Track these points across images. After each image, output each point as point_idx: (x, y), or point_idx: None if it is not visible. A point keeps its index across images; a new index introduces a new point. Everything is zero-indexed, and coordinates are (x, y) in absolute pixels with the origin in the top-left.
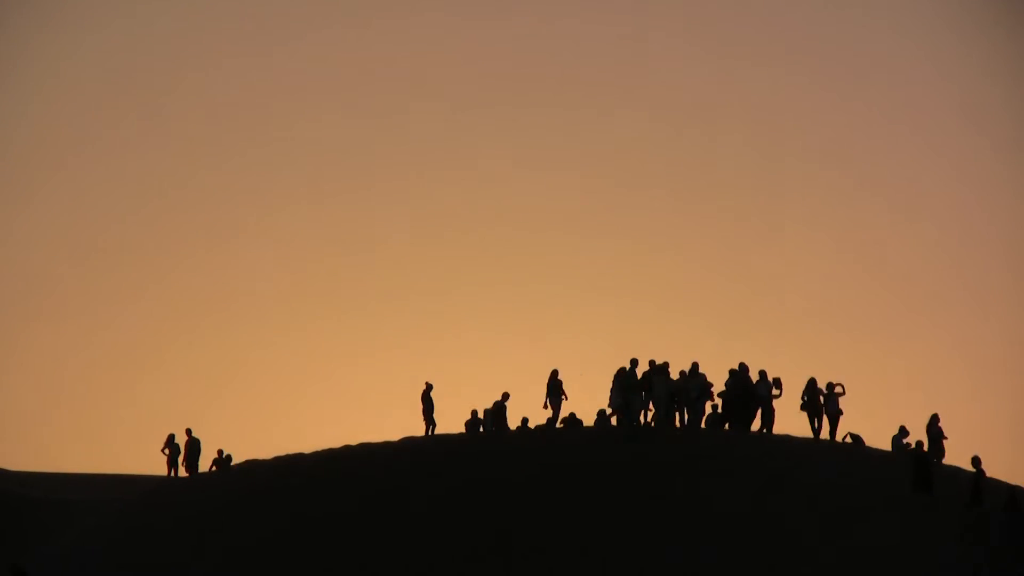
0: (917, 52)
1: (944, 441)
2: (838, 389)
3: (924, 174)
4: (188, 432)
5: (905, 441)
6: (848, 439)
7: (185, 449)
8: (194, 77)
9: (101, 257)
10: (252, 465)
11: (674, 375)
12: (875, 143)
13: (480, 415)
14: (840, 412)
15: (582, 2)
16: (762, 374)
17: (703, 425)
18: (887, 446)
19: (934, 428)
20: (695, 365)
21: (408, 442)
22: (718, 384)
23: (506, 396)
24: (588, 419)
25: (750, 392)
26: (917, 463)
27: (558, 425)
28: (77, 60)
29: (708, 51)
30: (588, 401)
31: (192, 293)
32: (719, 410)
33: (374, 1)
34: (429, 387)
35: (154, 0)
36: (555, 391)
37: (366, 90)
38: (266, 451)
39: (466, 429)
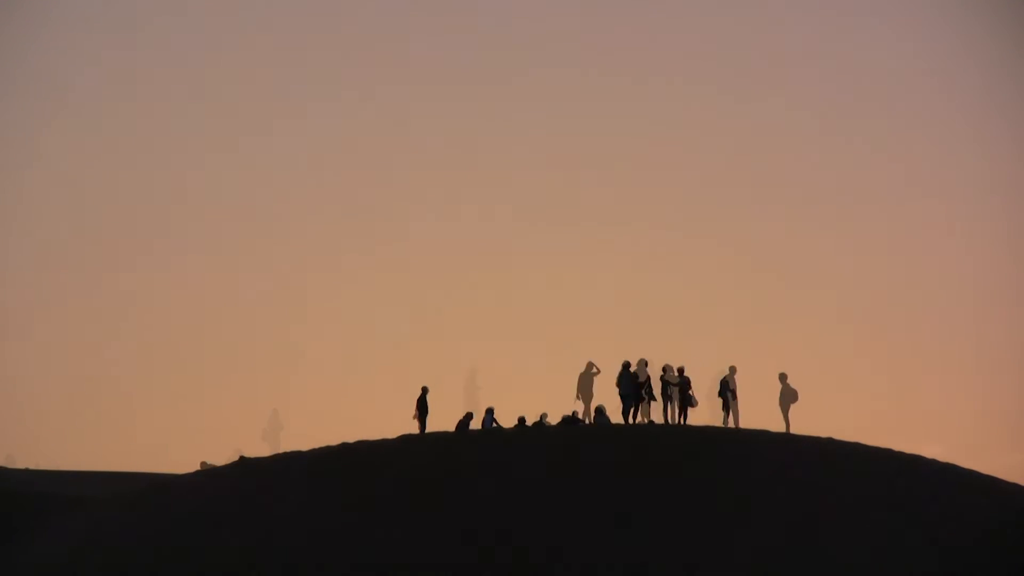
0: (914, 55)
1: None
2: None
3: (924, 174)
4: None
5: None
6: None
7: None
8: (192, 83)
9: (103, 256)
10: (251, 463)
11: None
12: (875, 142)
13: (472, 416)
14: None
15: (582, 4)
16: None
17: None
18: None
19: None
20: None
21: (406, 441)
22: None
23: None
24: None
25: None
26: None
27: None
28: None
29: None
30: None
31: (193, 293)
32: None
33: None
34: (425, 391)
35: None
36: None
37: (367, 87)
38: (266, 449)
39: (456, 429)
